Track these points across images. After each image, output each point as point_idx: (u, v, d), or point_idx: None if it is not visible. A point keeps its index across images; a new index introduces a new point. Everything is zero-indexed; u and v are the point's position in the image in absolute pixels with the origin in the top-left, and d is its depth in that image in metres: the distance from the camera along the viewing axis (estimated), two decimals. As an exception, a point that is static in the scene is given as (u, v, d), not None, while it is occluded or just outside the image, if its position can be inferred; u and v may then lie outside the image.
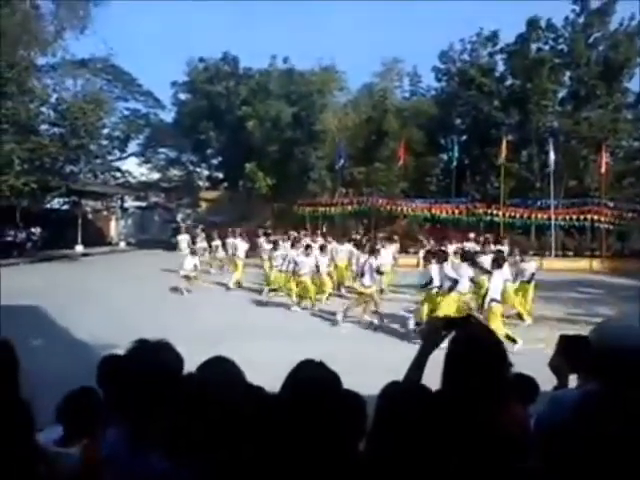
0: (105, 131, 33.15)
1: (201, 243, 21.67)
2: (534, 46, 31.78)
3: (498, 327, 9.11)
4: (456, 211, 29.59)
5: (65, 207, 33.68)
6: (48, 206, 31.52)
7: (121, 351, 2.15)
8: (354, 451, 2.09)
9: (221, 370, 2.14)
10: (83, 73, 27.13)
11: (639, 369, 1.90)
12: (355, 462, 1.95)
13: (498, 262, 10.27)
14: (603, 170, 27.48)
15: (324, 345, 8.54)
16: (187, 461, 1.90)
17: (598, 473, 1.68)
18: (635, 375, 1.88)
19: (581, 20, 30.93)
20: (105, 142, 34.06)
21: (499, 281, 10.05)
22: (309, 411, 1.91)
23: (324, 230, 29.35)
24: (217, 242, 21.18)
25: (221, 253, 20.89)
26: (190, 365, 2.13)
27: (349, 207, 30.56)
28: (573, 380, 2.33)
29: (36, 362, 6.15)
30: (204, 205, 39.04)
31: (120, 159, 39.58)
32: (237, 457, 1.88)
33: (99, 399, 2.66)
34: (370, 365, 7.67)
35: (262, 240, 18.28)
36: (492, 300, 9.66)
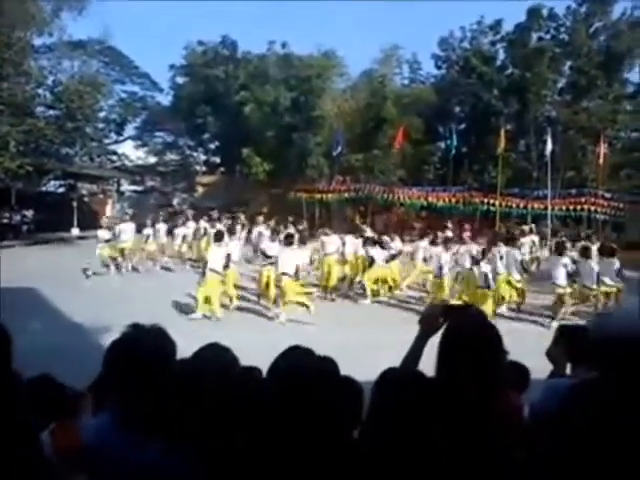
0: (102, 114, 32.94)
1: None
2: (535, 35, 31.64)
3: (290, 297, 11.16)
4: (453, 200, 29.59)
5: (61, 190, 33.55)
6: (44, 189, 31.41)
7: (115, 335, 2.13)
8: (349, 438, 2.09)
9: (216, 357, 2.13)
10: (80, 55, 26.80)
11: (636, 359, 1.90)
12: (350, 449, 1.95)
13: (288, 240, 11.98)
14: (601, 161, 27.46)
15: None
16: (180, 449, 1.89)
17: (589, 462, 1.68)
18: (632, 365, 1.88)
19: (583, 9, 30.75)
20: (101, 125, 33.85)
21: (287, 255, 11.51)
22: (304, 399, 1.90)
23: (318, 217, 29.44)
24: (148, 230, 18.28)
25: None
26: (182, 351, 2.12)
27: (346, 194, 30.51)
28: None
29: (31, 344, 6.15)
30: (200, 190, 38.92)
31: (116, 142, 39.43)
32: (231, 445, 1.88)
33: (59, 387, 2.62)
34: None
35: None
36: (283, 274, 11.20)
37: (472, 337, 2.03)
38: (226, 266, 11.74)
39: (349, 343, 8.52)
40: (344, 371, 2.26)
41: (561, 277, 11.79)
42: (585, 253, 12.46)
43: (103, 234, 17.02)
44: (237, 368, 2.14)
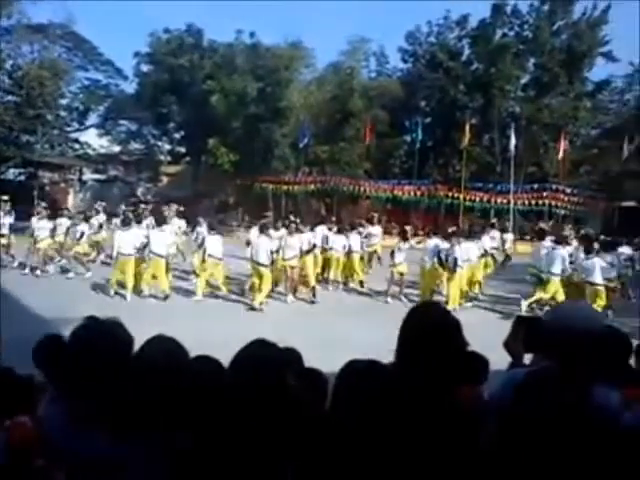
0: (64, 101, 32.16)
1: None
2: (499, 31, 32.01)
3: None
4: (418, 193, 29.92)
5: (21, 178, 32.65)
6: (2, 177, 30.53)
7: (73, 326, 2.11)
8: (313, 428, 2.10)
9: (162, 348, 2.13)
10: (40, 39, 26.08)
11: (589, 349, 1.96)
12: (313, 439, 1.96)
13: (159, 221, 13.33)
14: (561, 156, 28.12)
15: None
16: (131, 439, 1.88)
17: (539, 450, 1.72)
18: (585, 355, 1.94)
19: (546, 7, 31.21)
20: (63, 113, 33.07)
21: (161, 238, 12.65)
22: (266, 390, 1.91)
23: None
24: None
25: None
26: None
27: (312, 186, 30.51)
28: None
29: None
30: (165, 180, 38.38)
31: (79, 130, 38.44)
32: (186, 437, 1.88)
33: (17, 379, 2.56)
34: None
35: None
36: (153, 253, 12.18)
37: (429, 328, 2.05)
38: (141, 249, 12.40)
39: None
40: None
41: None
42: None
43: None
44: (186, 358, 2.14)
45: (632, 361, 2.93)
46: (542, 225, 19.59)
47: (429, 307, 2.30)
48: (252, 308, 11.59)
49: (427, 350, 2.00)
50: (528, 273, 13.52)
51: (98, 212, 18.18)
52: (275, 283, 13.06)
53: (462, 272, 12.45)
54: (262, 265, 11.80)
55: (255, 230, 13.69)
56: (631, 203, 29.97)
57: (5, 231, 15.72)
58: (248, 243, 12.81)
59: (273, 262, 12.27)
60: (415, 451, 1.86)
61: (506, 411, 1.87)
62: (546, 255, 12.17)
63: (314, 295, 12.69)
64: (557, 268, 11.64)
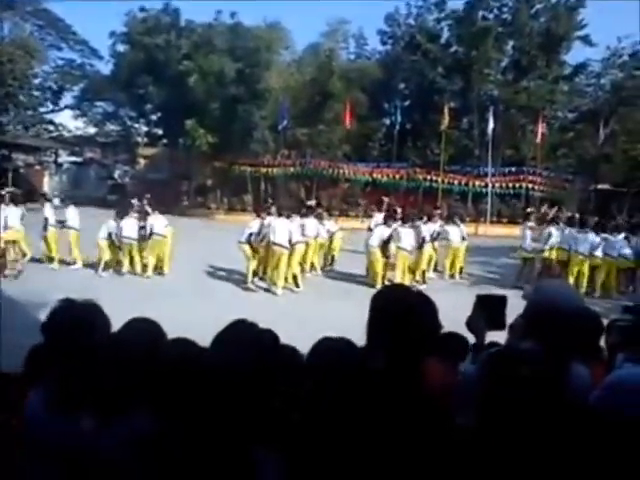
0: (37, 81, 31.47)
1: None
2: (480, 14, 31.96)
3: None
4: (396, 176, 30.02)
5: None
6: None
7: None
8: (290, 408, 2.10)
9: (142, 330, 2.11)
10: (10, 16, 25.39)
11: (570, 328, 1.98)
12: (290, 419, 1.96)
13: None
14: (539, 140, 28.35)
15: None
16: (117, 422, 1.87)
17: (514, 427, 1.73)
18: (566, 333, 1.96)
19: (524, -11, 31.24)
20: (37, 93, 32.39)
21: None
22: (247, 370, 1.90)
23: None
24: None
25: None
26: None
27: (291, 169, 30.40)
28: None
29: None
30: (142, 162, 37.92)
31: (53, 111, 37.73)
32: (168, 418, 1.87)
33: None
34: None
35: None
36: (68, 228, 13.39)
37: (399, 309, 2.02)
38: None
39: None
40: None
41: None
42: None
43: None
44: (164, 340, 2.12)
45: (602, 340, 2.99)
46: (530, 209, 19.89)
47: (396, 288, 2.28)
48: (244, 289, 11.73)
49: (391, 331, 1.97)
50: (518, 256, 14.09)
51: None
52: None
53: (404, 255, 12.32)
54: (282, 246, 11.62)
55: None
56: (606, 186, 30.45)
57: None
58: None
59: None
60: (389, 432, 1.86)
61: (481, 390, 1.87)
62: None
63: (296, 284, 12.18)
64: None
